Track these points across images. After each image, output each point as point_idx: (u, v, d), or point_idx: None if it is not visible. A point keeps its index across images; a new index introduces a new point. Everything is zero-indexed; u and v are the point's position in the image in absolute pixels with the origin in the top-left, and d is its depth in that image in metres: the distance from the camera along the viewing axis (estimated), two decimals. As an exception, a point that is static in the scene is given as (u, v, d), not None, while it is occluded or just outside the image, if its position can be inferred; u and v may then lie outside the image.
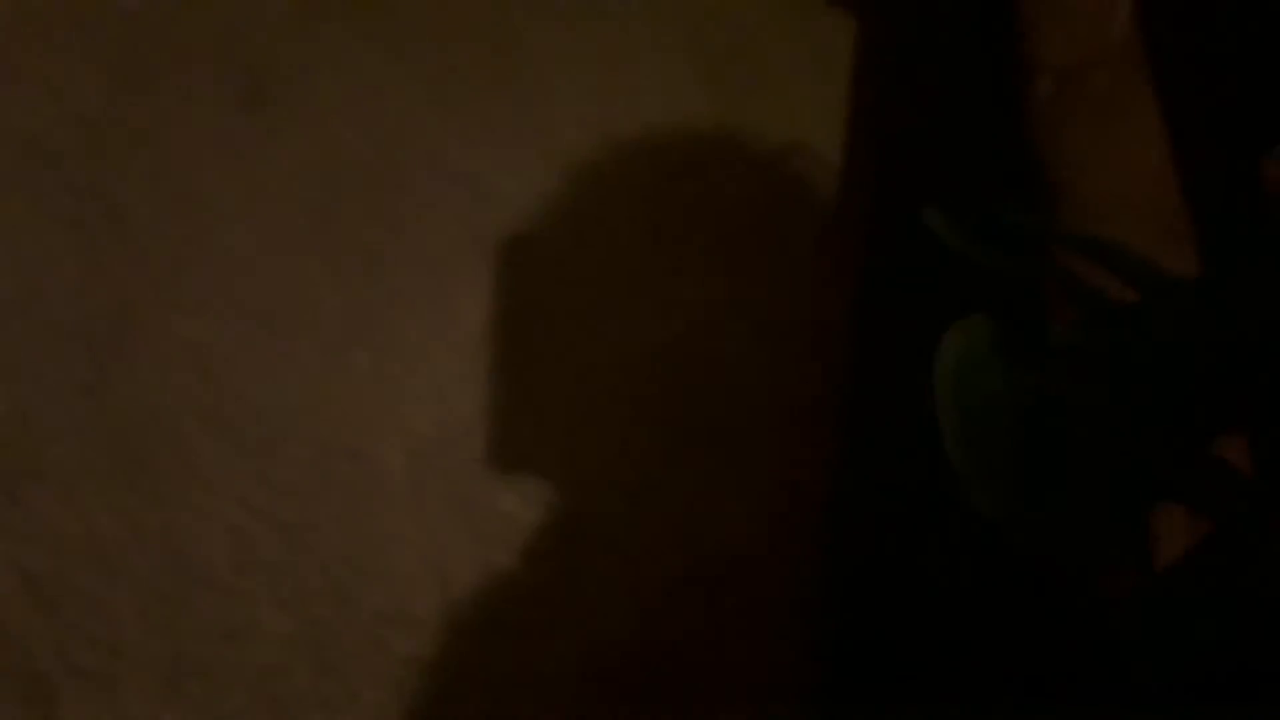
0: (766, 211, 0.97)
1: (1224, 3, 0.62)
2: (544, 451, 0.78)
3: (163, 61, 1.00)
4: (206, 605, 0.67)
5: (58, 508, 0.69)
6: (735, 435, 0.81)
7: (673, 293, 0.91)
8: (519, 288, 0.87)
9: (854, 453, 0.82)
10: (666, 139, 1.05)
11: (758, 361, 0.85)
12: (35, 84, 0.96)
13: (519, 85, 1.07)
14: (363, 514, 0.72)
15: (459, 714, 0.70)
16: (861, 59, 0.87)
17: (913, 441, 0.61)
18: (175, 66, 1.00)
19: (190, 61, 1.01)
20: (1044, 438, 0.40)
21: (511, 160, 0.98)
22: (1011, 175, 0.71)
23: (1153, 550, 0.43)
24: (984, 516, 0.39)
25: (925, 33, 0.81)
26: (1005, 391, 0.41)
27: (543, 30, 1.13)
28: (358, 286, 0.85)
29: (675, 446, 0.80)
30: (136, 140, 0.92)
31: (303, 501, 0.72)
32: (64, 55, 0.99)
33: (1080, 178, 0.62)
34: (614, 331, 0.85)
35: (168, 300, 0.81)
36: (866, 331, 0.82)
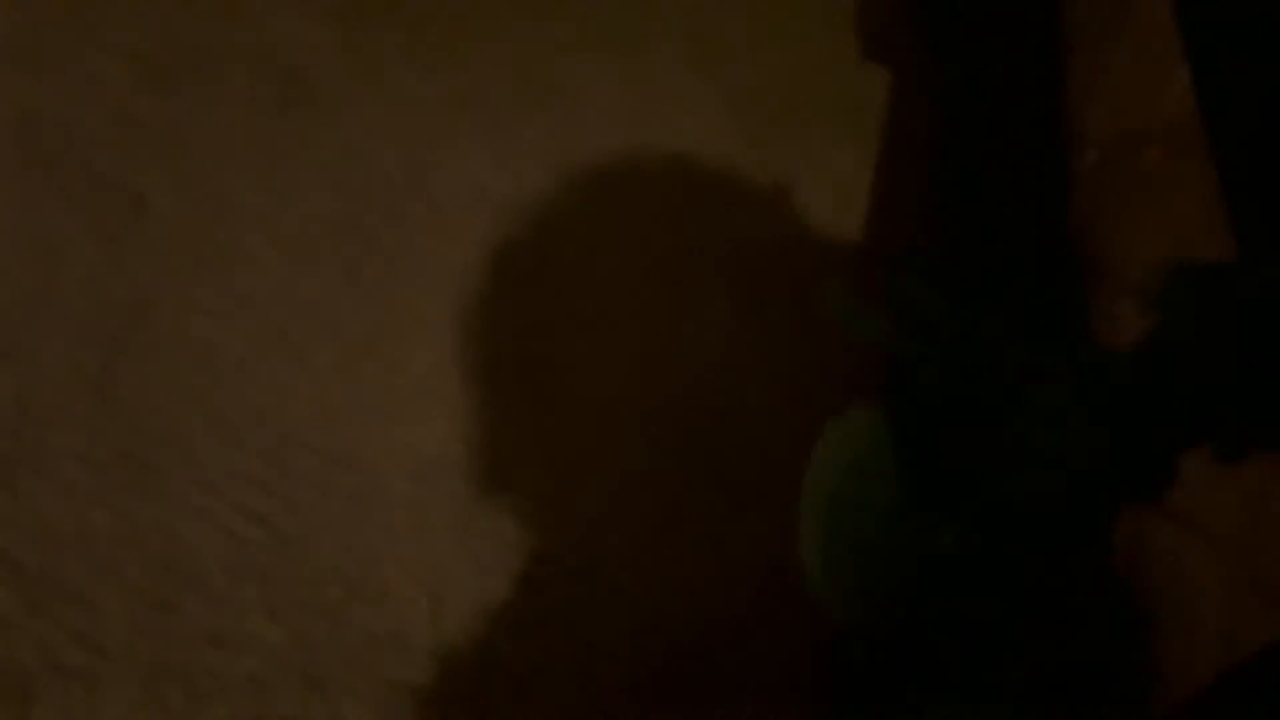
0: (791, 255, 0.96)
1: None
2: (550, 484, 0.77)
3: (198, 60, 1.00)
4: (196, 610, 0.65)
5: (53, 500, 0.67)
6: (746, 486, 0.80)
7: (690, 334, 0.90)
8: (536, 315, 0.86)
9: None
10: (693, 174, 1.05)
11: (773, 409, 0.83)
12: (69, 72, 0.96)
13: (550, 111, 1.07)
14: (362, 530, 0.70)
15: (443, 743, 0.68)
16: (896, 112, 0.86)
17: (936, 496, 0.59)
18: (210, 66, 1.00)
19: (225, 62, 1.01)
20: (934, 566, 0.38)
21: (537, 183, 0.98)
22: (1051, 246, 0.69)
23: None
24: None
25: (966, 94, 0.80)
26: (890, 513, 0.40)
27: (578, 61, 1.13)
28: (374, 300, 0.84)
29: (684, 492, 0.78)
30: (165, 136, 0.92)
31: (303, 512, 0.70)
32: (100, 47, 1.00)
33: (1123, 253, 0.60)
34: (629, 370, 0.84)
35: (184, 299, 0.80)
36: (890, 382, 0.81)
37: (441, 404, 0.78)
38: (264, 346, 0.78)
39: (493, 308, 0.86)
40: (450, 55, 1.08)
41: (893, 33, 1.12)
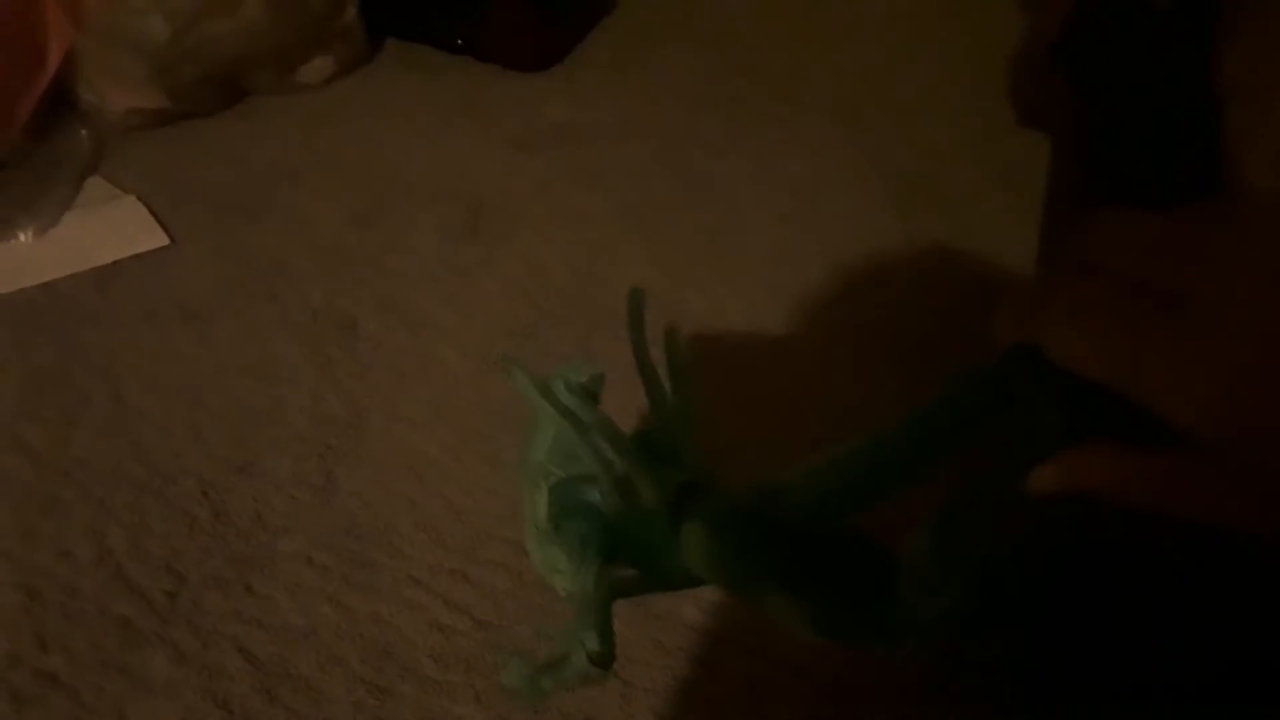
0: (952, 326, 0.96)
1: None
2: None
3: (393, 197, 1.12)
4: (410, 695, 0.71)
5: (284, 598, 0.75)
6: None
7: (857, 415, 0.92)
8: (707, 401, 0.90)
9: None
10: (850, 251, 1.07)
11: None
12: (282, 217, 1.09)
13: (708, 213, 1.12)
14: (552, 618, 0.75)
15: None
16: (1056, 179, 0.87)
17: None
18: (403, 201, 1.12)
19: (415, 196, 1.12)
20: None
21: (698, 281, 1.03)
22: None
23: None
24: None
25: (1126, 153, 0.80)
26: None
27: (733, 165, 1.19)
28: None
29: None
30: (368, 265, 1.03)
31: (498, 601, 0.76)
32: (307, 193, 1.13)
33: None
34: (801, 449, 0.86)
35: (390, 410, 0.88)
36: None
37: (621, 495, 0.82)
38: (460, 449, 0.86)
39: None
40: (612, 169, 1.16)
41: (1048, 97, 1.12)
